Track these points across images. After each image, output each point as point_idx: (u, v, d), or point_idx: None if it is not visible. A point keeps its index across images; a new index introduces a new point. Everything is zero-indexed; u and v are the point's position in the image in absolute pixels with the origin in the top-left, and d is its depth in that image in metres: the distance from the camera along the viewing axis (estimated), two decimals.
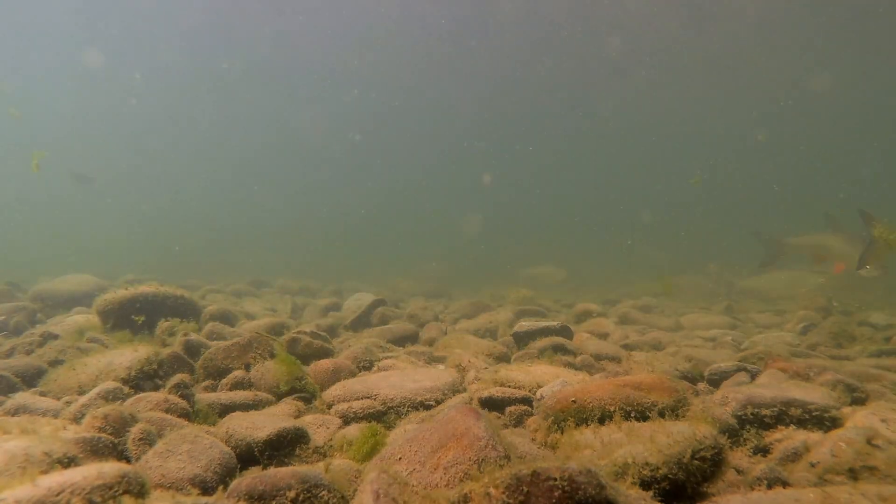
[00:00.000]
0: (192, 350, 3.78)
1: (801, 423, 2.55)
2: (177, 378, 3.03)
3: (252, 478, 1.68)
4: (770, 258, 8.59)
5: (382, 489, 1.57)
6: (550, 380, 3.22)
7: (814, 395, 2.70)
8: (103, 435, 2.18)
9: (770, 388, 2.79)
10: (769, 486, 1.94)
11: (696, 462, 1.79)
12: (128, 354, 3.29)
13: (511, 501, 1.36)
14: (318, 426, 2.67)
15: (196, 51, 29.52)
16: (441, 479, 1.76)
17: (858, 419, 2.52)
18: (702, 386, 3.56)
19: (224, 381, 3.35)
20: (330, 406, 2.98)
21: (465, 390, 3.26)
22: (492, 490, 1.39)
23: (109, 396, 2.80)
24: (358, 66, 27.48)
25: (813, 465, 2.06)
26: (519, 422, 2.83)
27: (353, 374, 3.54)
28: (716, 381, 3.60)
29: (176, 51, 29.47)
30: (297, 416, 2.86)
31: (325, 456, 2.36)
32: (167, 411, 2.62)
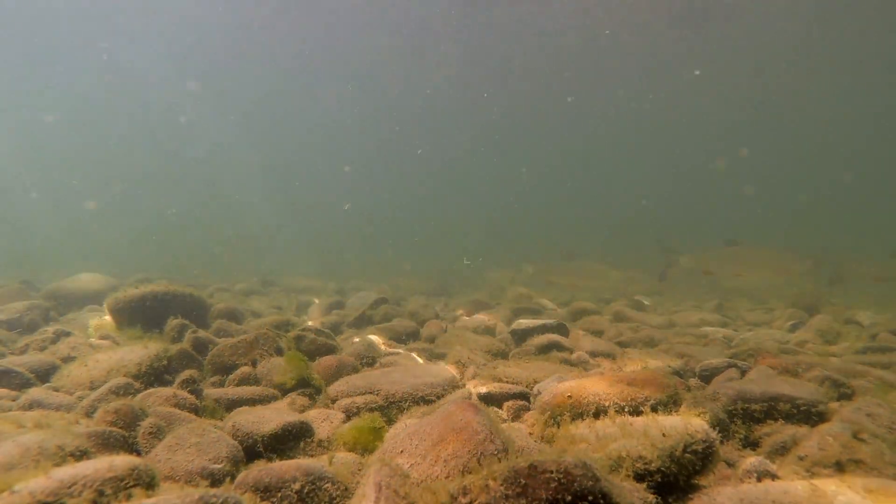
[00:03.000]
0: (201, 347, 3.78)
1: (790, 417, 2.55)
2: (186, 374, 3.03)
3: (258, 470, 1.68)
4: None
5: (384, 481, 1.57)
6: (547, 376, 3.22)
7: (802, 390, 2.70)
8: (114, 429, 2.18)
9: (759, 383, 2.79)
10: (759, 479, 1.94)
11: (687, 456, 1.79)
12: (138, 351, 3.30)
13: (509, 493, 1.36)
14: (322, 420, 2.67)
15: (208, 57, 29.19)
16: (441, 471, 1.76)
17: (845, 414, 2.52)
18: (693, 382, 3.56)
19: (231, 376, 3.35)
20: (334, 401, 2.98)
21: (464, 386, 3.25)
22: (490, 482, 1.39)
23: (120, 392, 2.80)
24: (370, 69, 26.96)
25: (801, 459, 2.06)
26: (517, 416, 2.83)
27: (356, 370, 3.54)
28: (707, 377, 3.60)
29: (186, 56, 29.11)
30: (301, 411, 2.86)
31: (328, 449, 2.36)
32: (176, 406, 2.63)
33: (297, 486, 1.65)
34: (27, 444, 1.79)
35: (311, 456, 2.31)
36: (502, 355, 4.41)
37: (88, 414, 2.61)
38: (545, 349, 4.35)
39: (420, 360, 3.97)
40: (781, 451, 2.23)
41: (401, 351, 4.36)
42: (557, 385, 2.67)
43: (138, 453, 2.14)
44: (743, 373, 3.52)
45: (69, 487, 1.36)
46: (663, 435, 1.85)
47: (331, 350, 4.03)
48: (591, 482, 1.38)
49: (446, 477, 1.74)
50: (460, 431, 1.89)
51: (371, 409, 2.83)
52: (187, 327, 4.24)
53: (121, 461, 1.51)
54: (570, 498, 1.35)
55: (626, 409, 2.38)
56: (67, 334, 4.29)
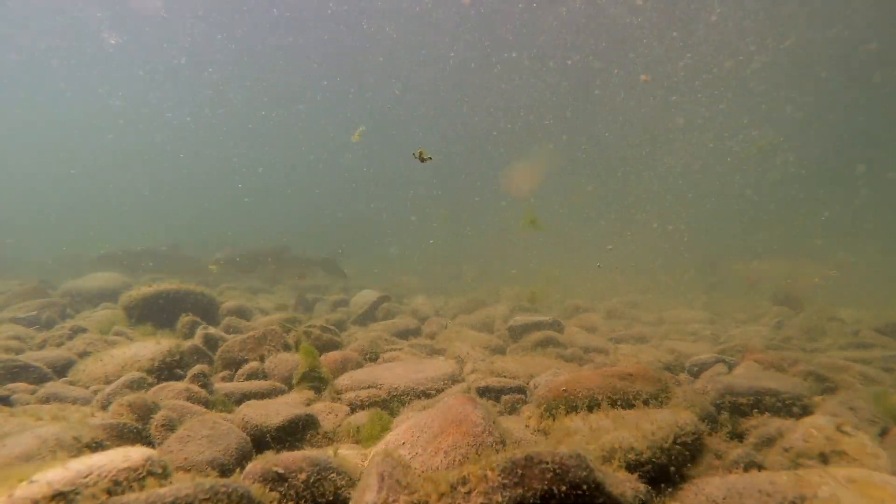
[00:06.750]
0: (211, 343, 3.78)
1: (776, 410, 2.55)
2: (196, 369, 3.03)
3: (266, 461, 1.68)
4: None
5: (387, 472, 1.57)
6: (543, 370, 3.22)
7: (787, 384, 2.71)
8: (128, 421, 2.18)
9: (747, 378, 2.79)
10: (745, 470, 1.94)
11: (677, 447, 1.80)
12: (151, 347, 3.30)
13: (507, 483, 1.36)
14: (328, 413, 2.67)
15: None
16: (441, 462, 1.77)
17: (829, 407, 2.52)
18: (683, 376, 3.56)
19: (240, 371, 3.35)
20: (338, 394, 2.98)
21: (463, 380, 3.26)
22: (489, 473, 1.39)
23: (134, 385, 2.80)
24: (364, 62, 25.83)
25: (786, 450, 2.06)
26: (514, 409, 2.83)
27: (360, 365, 3.54)
28: (696, 372, 3.60)
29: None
30: (308, 405, 2.86)
31: (333, 441, 2.37)
32: (188, 399, 2.63)
33: (303, 477, 1.65)
34: (45, 436, 1.79)
35: (318, 447, 2.31)
36: (500, 351, 4.41)
37: (103, 407, 2.61)
38: (541, 345, 4.35)
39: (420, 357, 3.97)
40: (767, 443, 2.23)
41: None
42: (553, 379, 2.67)
43: (152, 445, 2.14)
44: (731, 368, 3.52)
45: (85, 478, 1.36)
46: (654, 427, 1.85)
47: (336, 346, 4.03)
48: (584, 472, 1.38)
49: (446, 468, 1.74)
50: (460, 424, 1.90)
51: (374, 403, 2.83)
52: (198, 324, 4.24)
53: (135, 452, 1.51)
54: (564, 488, 1.35)
55: (618, 403, 2.38)
56: (83, 331, 4.29)
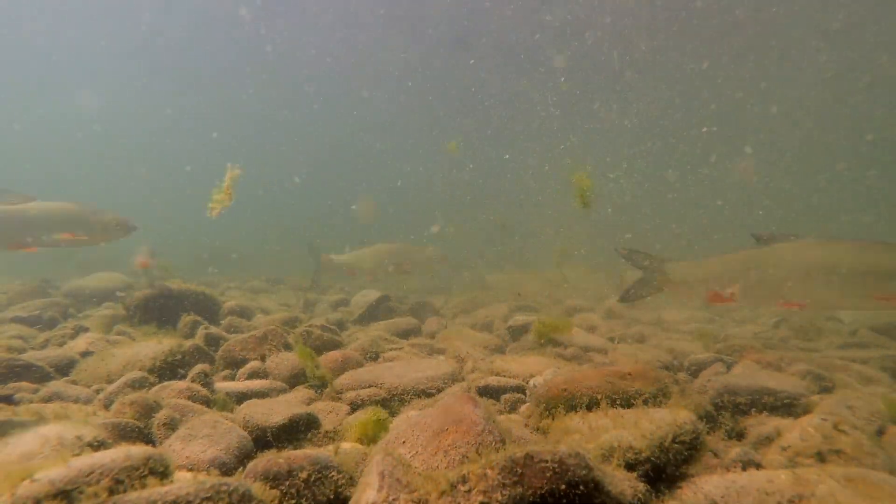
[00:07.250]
0: (212, 342, 3.78)
1: (774, 409, 2.55)
2: (198, 368, 3.04)
3: (268, 460, 1.68)
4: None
5: (387, 470, 1.57)
6: (542, 370, 3.22)
7: (785, 384, 2.71)
8: (130, 420, 2.18)
9: (745, 377, 2.79)
10: (744, 468, 1.94)
11: (676, 446, 1.79)
12: (153, 346, 3.30)
13: (506, 482, 1.36)
14: (329, 412, 2.67)
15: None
16: (441, 461, 1.77)
17: (826, 406, 2.52)
18: (682, 376, 3.56)
19: (241, 370, 3.35)
20: (339, 394, 2.98)
21: (463, 379, 3.26)
22: (488, 471, 1.39)
23: (136, 385, 2.80)
24: (358, 63, 25.64)
25: (784, 449, 2.06)
26: (513, 408, 2.83)
27: (360, 365, 3.53)
28: (695, 371, 3.60)
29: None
30: (308, 404, 2.86)
31: (334, 440, 2.36)
32: (189, 399, 2.63)
33: (304, 475, 1.65)
34: (47, 435, 1.79)
35: (318, 446, 2.31)
36: (499, 350, 4.41)
37: (105, 406, 2.61)
38: (541, 344, 4.34)
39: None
40: (765, 441, 2.23)
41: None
42: (552, 378, 2.67)
43: (153, 443, 2.14)
44: (729, 367, 3.52)
45: (87, 476, 1.36)
46: (653, 426, 1.85)
47: (336, 345, 4.03)
48: (584, 471, 1.38)
49: (446, 466, 1.74)
50: (460, 423, 1.90)
51: (375, 402, 2.83)
52: (199, 324, 4.24)
53: (136, 451, 1.51)
54: (563, 486, 1.35)
55: (617, 402, 2.38)
56: (85, 330, 4.29)
